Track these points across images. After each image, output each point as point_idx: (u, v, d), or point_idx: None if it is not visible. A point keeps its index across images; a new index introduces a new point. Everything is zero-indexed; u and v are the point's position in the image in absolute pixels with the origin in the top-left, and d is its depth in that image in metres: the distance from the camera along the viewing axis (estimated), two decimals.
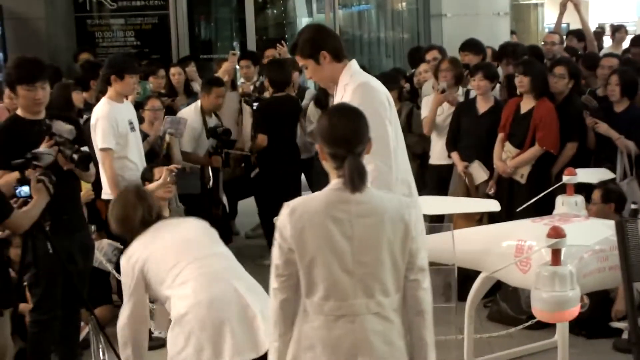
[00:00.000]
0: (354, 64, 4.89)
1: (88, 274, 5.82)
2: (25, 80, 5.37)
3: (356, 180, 3.35)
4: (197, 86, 9.56)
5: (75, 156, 5.31)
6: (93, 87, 7.93)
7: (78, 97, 7.94)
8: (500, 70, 8.66)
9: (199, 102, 8.40)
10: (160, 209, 4.86)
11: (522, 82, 7.29)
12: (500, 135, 7.44)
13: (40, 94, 5.40)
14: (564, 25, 11.93)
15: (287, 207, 3.43)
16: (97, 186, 6.84)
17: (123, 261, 4.58)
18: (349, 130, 3.42)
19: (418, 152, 8.28)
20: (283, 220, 3.42)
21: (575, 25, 11.41)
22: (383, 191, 3.73)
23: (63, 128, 5.39)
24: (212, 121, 8.41)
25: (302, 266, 3.41)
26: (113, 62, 7.05)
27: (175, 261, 4.43)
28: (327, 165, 3.48)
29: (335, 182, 3.43)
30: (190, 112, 8.32)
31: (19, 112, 5.53)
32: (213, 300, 4.30)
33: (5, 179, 5.20)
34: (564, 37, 10.19)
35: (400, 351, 3.47)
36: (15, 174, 5.10)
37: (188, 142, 8.05)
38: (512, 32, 12.35)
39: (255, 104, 8.53)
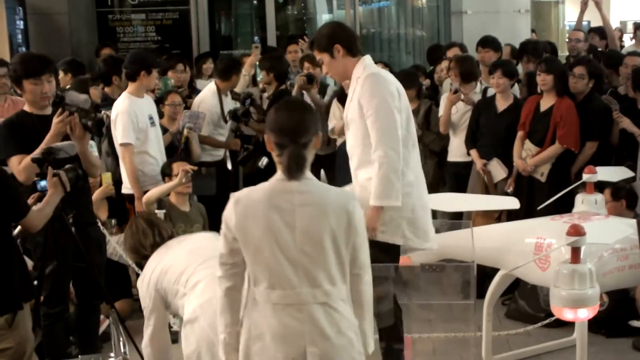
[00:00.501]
0: (367, 58, 5.04)
1: (102, 268, 5.83)
2: (32, 74, 5.38)
3: (293, 168, 3.45)
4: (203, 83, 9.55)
5: (89, 123, 5.29)
6: (115, 83, 7.94)
7: (95, 92, 7.96)
8: (520, 68, 8.64)
9: (213, 85, 8.31)
10: (172, 232, 4.89)
11: (544, 80, 7.24)
12: (520, 133, 7.42)
13: (47, 87, 5.41)
14: (584, 23, 11.90)
15: (232, 197, 3.52)
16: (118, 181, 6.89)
17: (139, 284, 4.61)
18: (293, 121, 3.52)
19: (436, 150, 8.30)
20: (228, 210, 3.50)
21: (596, 23, 11.35)
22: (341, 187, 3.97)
23: (77, 98, 5.38)
24: (229, 103, 8.35)
25: (247, 255, 3.49)
26: (140, 57, 7.07)
27: (184, 267, 4.43)
28: (274, 155, 3.56)
29: (279, 172, 3.53)
30: (207, 95, 8.25)
31: (26, 107, 5.53)
32: None
33: (25, 164, 5.22)
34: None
35: (349, 341, 3.54)
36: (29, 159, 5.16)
37: (206, 126, 8.01)
38: (532, 31, 12.30)
39: (247, 101, 8.37)
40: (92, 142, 5.99)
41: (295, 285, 3.46)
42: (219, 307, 3.60)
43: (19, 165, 5.26)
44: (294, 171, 3.46)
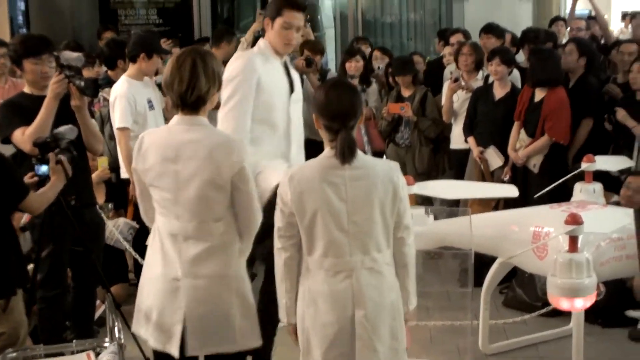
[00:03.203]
0: None
1: (100, 252, 5.80)
2: (32, 53, 5.34)
3: (346, 153, 3.64)
4: None
5: (82, 83, 5.23)
6: (120, 66, 7.89)
7: (90, 74, 7.91)
8: (522, 56, 8.59)
9: None
10: None
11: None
12: (516, 124, 7.40)
13: (47, 67, 5.36)
14: (585, 12, 11.83)
15: (286, 175, 3.75)
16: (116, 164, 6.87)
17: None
18: (344, 106, 3.69)
19: (431, 137, 8.30)
20: (283, 186, 3.73)
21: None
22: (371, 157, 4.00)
23: (71, 56, 5.38)
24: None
25: (302, 227, 3.73)
26: (143, 41, 7.02)
27: None
28: (322, 134, 3.76)
29: (328, 150, 3.73)
30: None
31: (26, 89, 5.48)
32: None
33: (30, 132, 5.17)
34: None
35: (391, 302, 3.79)
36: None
37: None
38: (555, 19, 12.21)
39: None
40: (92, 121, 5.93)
41: (346, 253, 3.72)
42: (278, 275, 3.85)
43: (23, 136, 5.21)
44: (347, 156, 3.65)
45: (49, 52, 5.42)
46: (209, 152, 3.89)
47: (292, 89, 5.35)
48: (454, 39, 9.10)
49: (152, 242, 4.11)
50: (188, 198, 3.92)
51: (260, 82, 5.12)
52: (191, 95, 3.90)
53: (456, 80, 7.92)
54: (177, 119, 3.99)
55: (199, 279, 3.96)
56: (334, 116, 3.67)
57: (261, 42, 5.29)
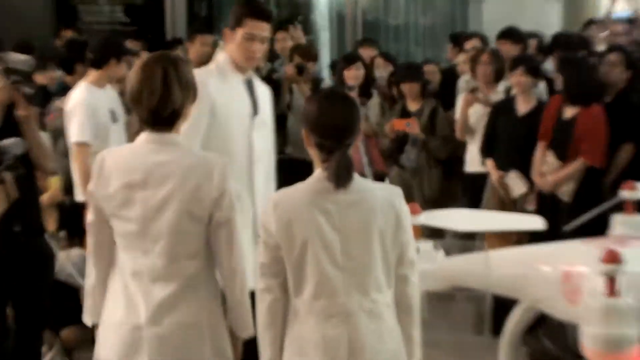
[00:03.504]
0: None
1: (47, 288, 5.73)
2: None
3: (342, 176, 3.60)
4: None
5: (29, 91, 5.25)
6: (79, 71, 7.88)
7: (42, 80, 7.89)
8: (551, 65, 8.58)
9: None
10: None
11: (558, 79, 7.25)
12: (542, 144, 7.35)
13: None
14: (625, 14, 11.83)
15: (270, 201, 3.71)
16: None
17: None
18: (339, 120, 3.64)
19: (442, 158, 8.32)
20: (267, 215, 3.68)
21: None
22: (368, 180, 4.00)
23: (18, 60, 5.36)
24: None
25: (290, 263, 3.65)
26: (112, 42, 7.11)
27: None
28: (312, 153, 3.72)
29: (320, 172, 3.67)
30: None
31: None
32: None
33: None
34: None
35: (392, 351, 3.73)
36: None
37: None
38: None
39: None
40: (41, 132, 5.92)
41: (340, 293, 3.65)
42: (260, 322, 3.76)
43: None
44: (343, 179, 3.61)
45: None
46: (184, 175, 3.83)
47: (255, 111, 5.34)
48: (469, 45, 9.14)
49: (111, 282, 4.01)
50: (158, 231, 3.84)
51: (215, 108, 5.14)
52: (164, 109, 3.83)
53: (473, 90, 7.84)
54: (145, 137, 3.91)
55: (165, 328, 3.87)
56: (328, 132, 3.63)
57: (220, 56, 5.28)
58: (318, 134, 3.64)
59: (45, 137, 5.97)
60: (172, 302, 3.86)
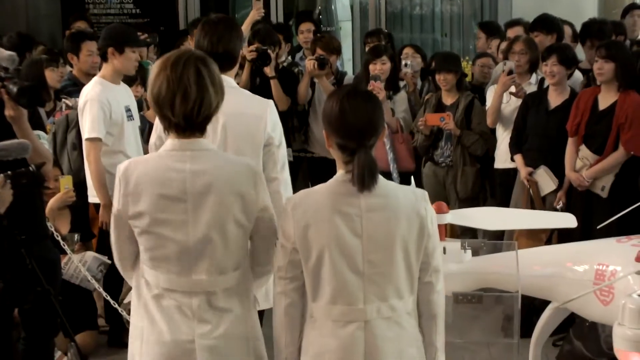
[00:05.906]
0: None
1: (53, 293, 5.74)
2: None
3: (367, 178, 3.57)
4: None
5: (14, 88, 5.10)
6: (76, 63, 7.93)
7: (53, 76, 7.94)
8: (582, 53, 8.56)
9: None
10: None
11: (602, 69, 7.13)
12: (574, 138, 7.33)
13: None
14: None
15: (289, 202, 3.72)
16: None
17: None
18: (361, 119, 3.63)
19: (478, 154, 8.22)
20: (286, 217, 3.69)
21: None
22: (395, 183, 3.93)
23: (2, 55, 5.32)
24: None
25: (307, 267, 3.68)
26: (113, 32, 7.02)
27: None
28: (334, 154, 3.69)
29: (342, 173, 3.67)
30: None
31: None
32: None
33: None
34: None
35: (411, 358, 3.76)
36: None
37: None
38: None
39: None
40: (41, 133, 5.90)
41: (359, 300, 3.66)
42: (277, 326, 3.80)
43: None
44: (367, 181, 3.58)
45: None
46: (229, 183, 3.80)
47: None
48: (512, 33, 9.03)
49: (139, 297, 3.94)
50: (202, 245, 3.80)
51: None
52: (199, 114, 3.75)
53: (510, 72, 7.83)
54: (172, 144, 3.81)
55: (215, 340, 3.86)
56: (350, 133, 3.62)
57: None
58: (339, 135, 3.63)
59: (45, 139, 5.91)
60: (218, 314, 3.86)
